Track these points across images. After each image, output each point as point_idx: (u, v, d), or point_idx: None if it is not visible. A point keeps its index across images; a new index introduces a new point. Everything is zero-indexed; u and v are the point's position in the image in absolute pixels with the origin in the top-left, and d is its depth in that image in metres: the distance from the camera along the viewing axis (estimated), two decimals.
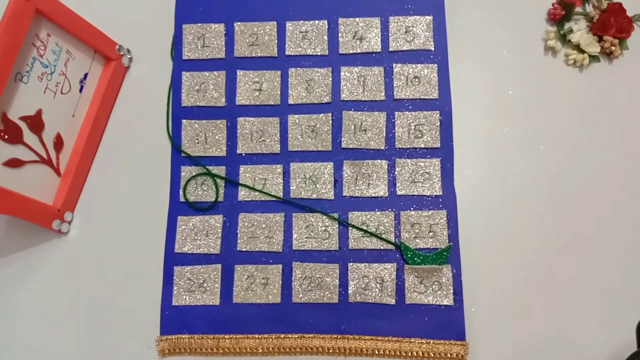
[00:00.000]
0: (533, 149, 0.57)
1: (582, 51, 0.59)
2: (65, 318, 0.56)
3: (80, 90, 0.58)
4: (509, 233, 0.55)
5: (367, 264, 0.54)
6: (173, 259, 0.56)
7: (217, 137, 0.58)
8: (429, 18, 0.60)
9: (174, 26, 0.62)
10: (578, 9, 0.60)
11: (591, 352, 0.52)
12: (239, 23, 0.61)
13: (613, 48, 0.58)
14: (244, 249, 0.55)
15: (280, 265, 0.55)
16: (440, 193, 0.56)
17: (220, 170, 0.58)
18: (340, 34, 0.60)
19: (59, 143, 0.56)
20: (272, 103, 0.59)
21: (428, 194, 0.56)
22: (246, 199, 0.57)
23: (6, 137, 0.50)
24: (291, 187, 0.57)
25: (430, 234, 0.55)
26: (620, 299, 0.53)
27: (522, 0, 0.61)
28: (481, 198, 0.56)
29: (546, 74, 0.59)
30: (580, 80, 0.59)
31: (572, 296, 0.53)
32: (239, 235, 0.56)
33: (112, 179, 0.59)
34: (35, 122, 0.53)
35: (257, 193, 0.57)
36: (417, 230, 0.55)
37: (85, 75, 0.58)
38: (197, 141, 0.58)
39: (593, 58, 0.59)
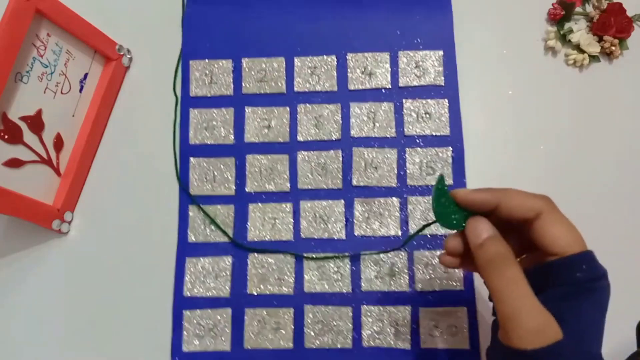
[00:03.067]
0: (533, 148, 0.57)
1: (582, 51, 0.59)
2: (65, 318, 0.56)
3: (80, 90, 0.58)
4: None
5: (380, 307, 0.53)
6: (182, 303, 0.54)
7: (225, 175, 0.57)
8: (439, 53, 0.59)
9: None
10: (578, 9, 0.60)
11: None
12: (246, 59, 0.60)
13: (613, 48, 0.58)
14: (254, 293, 0.54)
15: (292, 309, 0.53)
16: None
17: (229, 209, 0.57)
18: (349, 70, 0.59)
19: (59, 143, 0.56)
20: (281, 140, 0.58)
21: (441, 233, 0.54)
22: (255, 239, 0.56)
23: (6, 137, 0.50)
24: (301, 227, 0.56)
25: (445, 274, 0.53)
26: (620, 299, 0.53)
27: (522, 0, 0.61)
28: None
29: (546, 74, 0.59)
30: (580, 80, 0.59)
31: None
32: (248, 278, 0.55)
33: (112, 179, 0.59)
34: (35, 122, 0.53)
35: (266, 233, 0.56)
36: (431, 271, 0.53)
37: (85, 75, 0.58)
38: (205, 179, 0.58)
39: (593, 58, 0.59)
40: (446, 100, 0.58)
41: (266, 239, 0.56)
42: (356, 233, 0.55)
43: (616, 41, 0.58)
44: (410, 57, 0.59)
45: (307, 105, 0.59)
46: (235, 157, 0.58)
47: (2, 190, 0.49)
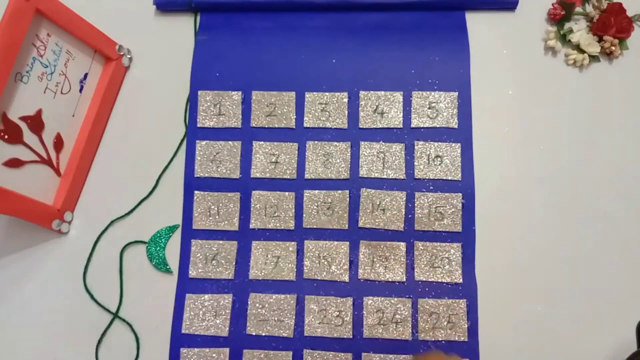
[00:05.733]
0: (533, 148, 0.57)
1: (582, 51, 0.59)
2: (65, 318, 0.56)
3: (80, 90, 0.58)
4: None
5: (382, 356, 0.52)
6: (180, 341, 0.53)
7: (230, 210, 0.56)
8: (454, 94, 0.57)
9: (189, 89, 0.60)
10: (578, 9, 0.60)
11: (591, 352, 0.52)
12: (256, 92, 0.59)
13: (613, 48, 0.58)
14: (253, 333, 0.53)
15: (291, 352, 0.52)
16: (461, 281, 0.53)
17: (232, 245, 0.56)
18: (360, 107, 0.58)
19: (59, 143, 0.56)
20: (288, 177, 0.57)
21: (448, 281, 0.53)
22: (257, 278, 0.55)
23: (6, 137, 0.50)
24: (304, 267, 0.54)
25: (449, 325, 0.52)
26: (620, 299, 0.53)
27: (522, 0, 0.61)
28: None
29: (546, 74, 0.59)
30: (580, 80, 0.59)
31: (572, 296, 0.53)
32: (248, 318, 0.53)
33: (112, 179, 0.59)
34: (35, 122, 0.53)
35: (269, 272, 0.54)
36: (435, 321, 0.52)
37: (85, 75, 0.58)
38: (209, 214, 0.56)
39: (593, 58, 0.59)
40: (459, 144, 0.56)
41: (268, 278, 0.54)
42: (360, 276, 0.54)
43: (616, 41, 0.58)
44: (424, 97, 0.57)
45: (316, 142, 0.57)
46: (240, 193, 0.57)
47: (2, 190, 0.49)
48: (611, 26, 0.58)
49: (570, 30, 0.59)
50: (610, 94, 0.58)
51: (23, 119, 0.51)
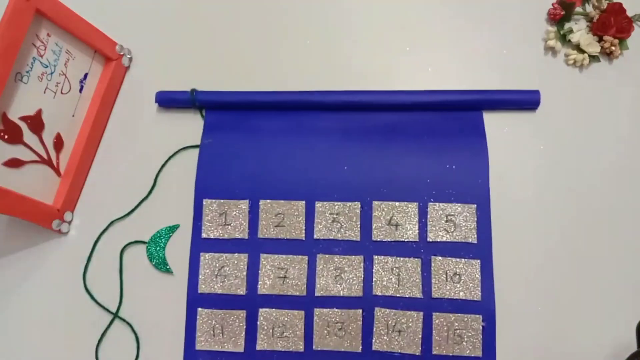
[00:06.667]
0: (532, 148, 0.57)
1: (582, 51, 0.59)
2: (65, 318, 0.56)
3: (80, 90, 0.58)
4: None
5: None
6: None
7: (235, 330, 0.53)
8: (473, 207, 0.54)
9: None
10: (578, 9, 0.60)
11: (591, 352, 0.52)
12: (264, 201, 0.55)
13: (613, 48, 0.58)
14: None
15: None
16: None
17: None
18: (374, 219, 0.54)
19: (59, 143, 0.56)
20: (298, 293, 0.53)
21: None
22: None
23: (6, 137, 0.50)
24: None
25: None
26: (620, 299, 0.53)
27: (522, 0, 0.61)
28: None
29: (546, 74, 0.59)
30: (580, 80, 0.59)
31: (572, 296, 0.53)
32: None
33: (112, 179, 0.59)
34: (35, 122, 0.53)
35: None
36: None
37: (85, 75, 0.58)
38: (212, 333, 0.53)
39: (593, 58, 0.59)
40: (478, 261, 0.52)
41: None
42: None
43: (616, 41, 0.58)
44: (441, 209, 0.54)
45: (327, 255, 0.54)
46: (246, 311, 0.53)
47: (2, 190, 0.49)
48: (611, 26, 0.58)
49: (570, 30, 0.59)
50: (610, 94, 0.58)
51: (23, 119, 0.51)
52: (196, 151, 0.58)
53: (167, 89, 0.60)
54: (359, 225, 0.54)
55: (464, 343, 0.51)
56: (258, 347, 0.53)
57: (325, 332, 0.52)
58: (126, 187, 0.59)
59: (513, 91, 0.57)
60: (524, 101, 0.57)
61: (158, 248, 0.56)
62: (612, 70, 0.59)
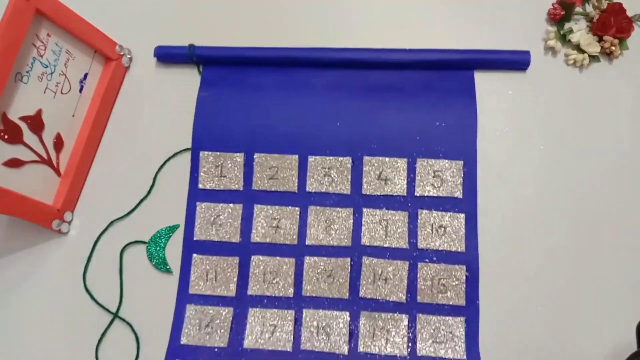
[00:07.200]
0: (533, 148, 0.57)
1: (582, 51, 0.59)
2: (65, 318, 0.56)
3: (80, 90, 0.58)
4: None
5: None
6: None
7: (228, 276, 0.55)
8: (460, 163, 0.55)
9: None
10: (578, 9, 0.60)
11: (591, 352, 0.52)
12: (259, 154, 0.57)
13: (613, 48, 0.58)
14: None
15: None
16: (464, 357, 0.51)
17: (228, 311, 0.54)
18: (364, 173, 0.56)
19: (59, 143, 0.56)
20: (289, 242, 0.55)
21: (451, 357, 0.51)
22: (252, 347, 0.52)
23: (6, 137, 0.50)
24: (302, 337, 0.52)
25: None
26: (620, 299, 0.53)
27: (522, 0, 0.61)
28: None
29: (546, 74, 0.59)
30: (580, 80, 0.59)
31: (572, 296, 0.53)
32: None
33: (112, 179, 0.59)
34: (35, 122, 0.53)
35: (264, 341, 0.52)
36: None
37: (85, 75, 0.58)
38: (206, 278, 0.55)
39: (593, 58, 0.59)
40: (463, 215, 0.54)
41: (264, 347, 0.52)
42: (360, 349, 0.52)
43: (616, 41, 0.58)
44: (429, 165, 0.56)
45: (318, 207, 0.56)
46: (239, 257, 0.55)
47: (2, 190, 0.49)
48: (611, 26, 0.58)
49: (570, 30, 0.59)
50: (610, 94, 0.58)
51: (23, 119, 0.51)
52: None
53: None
54: (349, 179, 0.56)
55: (448, 292, 0.53)
56: (249, 292, 0.54)
57: (315, 279, 0.54)
58: (126, 187, 0.59)
59: (504, 51, 0.59)
60: (515, 61, 0.58)
61: (158, 248, 0.56)
62: (612, 70, 0.59)
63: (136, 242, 0.57)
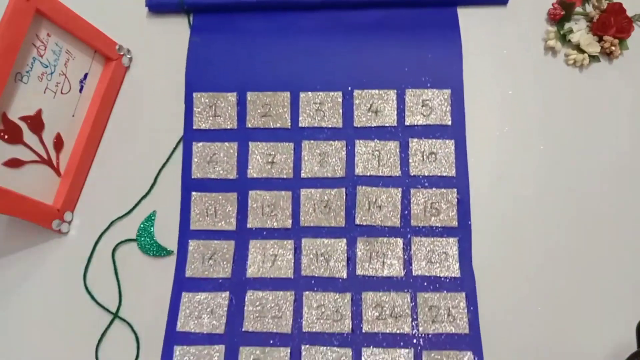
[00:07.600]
0: (533, 148, 0.57)
1: (582, 51, 0.59)
2: (65, 318, 0.56)
3: (80, 90, 0.58)
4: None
5: (382, 349, 0.51)
6: (174, 338, 0.53)
7: (227, 211, 0.56)
8: (447, 92, 0.57)
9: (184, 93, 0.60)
10: (578, 9, 0.60)
11: (591, 352, 0.52)
12: (251, 93, 0.59)
13: (613, 48, 0.58)
14: (250, 330, 0.53)
15: (289, 349, 0.52)
16: (459, 275, 0.53)
17: (230, 244, 0.55)
18: (355, 106, 0.58)
19: (59, 143, 0.56)
20: (285, 176, 0.57)
21: (446, 275, 0.53)
22: (255, 276, 0.54)
23: (6, 137, 0.50)
24: (302, 264, 0.54)
25: (449, 318, 0.52)
26: (620, 299, 0.53)
27: (522, 0, 0.61)
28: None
29: (546, 74, 0.59)
30: (580, 80, 0.59)
31: (572, 296, 0.53)
32: (245, 315, 0.53)
33: (112, 179, 0.59)
34: (35, 122, 0.53)
35: (266, 270, 0.54)
36: (435, 314, 0.52)
37: (85, 75, 0.58)
38: (206, 214, 0.56)
39: (593, 58, 0.59)
40: (452, 141, 0.56)
41: (266, 275, 0.54)
42: (358, 272, 0.54)
43: (616, 41, 0.58)
44: (417, 95, 0.58)
45: (312, 141, 0.57)
46: (237, 193, 0.57)
47: (2, 190, 0.49)
48: (611, 26, 0.58)
49: (570, 30, 0.59)
50: (610, 94, 0.58)
51: (23, 119, 0.51)
52: None
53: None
54: (341, 113, 0.58)
55: (441, 215, 0.55)
56: (249, 225, 0.56)
57: (311, 209, 0.56)
58: (126, 187, 0.59)
59: None
60: None
61: (148, 239, 0.56)
62: (612, 70, 0.59)
63: (128, 240, 0.57)
